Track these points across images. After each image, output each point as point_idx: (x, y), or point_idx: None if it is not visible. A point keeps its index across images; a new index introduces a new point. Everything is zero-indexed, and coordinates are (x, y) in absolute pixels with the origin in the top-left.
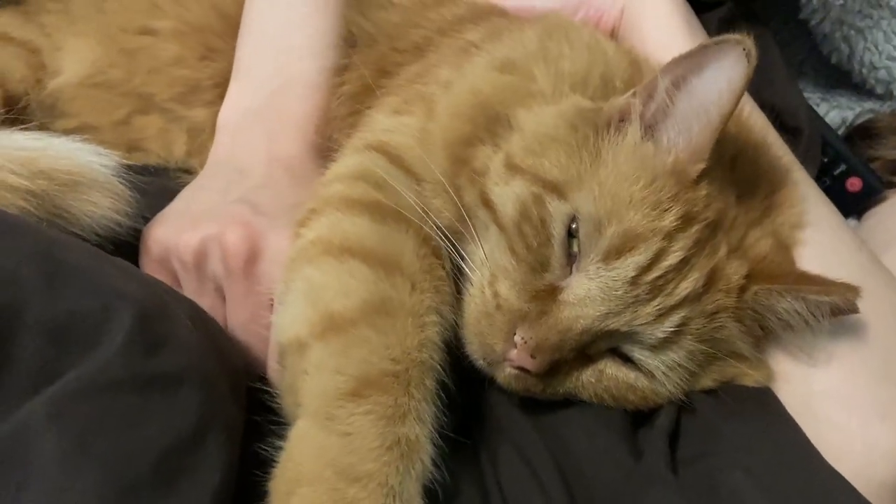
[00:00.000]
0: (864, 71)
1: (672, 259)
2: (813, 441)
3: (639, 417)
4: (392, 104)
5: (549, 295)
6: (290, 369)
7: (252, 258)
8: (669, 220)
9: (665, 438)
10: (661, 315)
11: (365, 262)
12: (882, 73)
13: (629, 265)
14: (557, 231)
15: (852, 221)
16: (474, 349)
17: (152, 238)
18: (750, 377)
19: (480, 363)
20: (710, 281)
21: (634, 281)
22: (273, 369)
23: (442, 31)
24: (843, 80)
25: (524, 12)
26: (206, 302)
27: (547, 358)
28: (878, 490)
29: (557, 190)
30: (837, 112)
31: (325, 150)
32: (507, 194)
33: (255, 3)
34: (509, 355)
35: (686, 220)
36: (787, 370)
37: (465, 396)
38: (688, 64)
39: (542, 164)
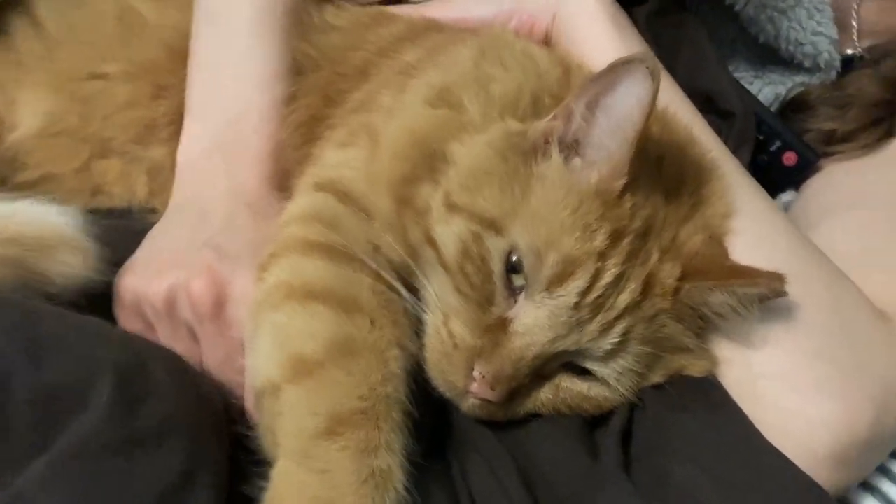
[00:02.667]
0: (791, 48)
1: (608, 277)
2: (757, 422)
3: (596, 419)
4: (338, 137)
5: (499, 328)
6: (266, 411)
7: (219, 304)
8: (600, 241)
9: (617, 438)
10: (605, 330)
11: (326, 304)
12: (808, 48)
13: (571, 291)
14: (497, 268)
15: (791, 194)
16: (438, 384)
17: (123, 287)
18: (695, 367)
19: (446, 395)
20: (647, 287)
21: (577, 305)
22: (252, 409)
23: (382, 52)
24: (773, 56)
25: (461, 23)
26: (181, 346)
27: (505, 387)
28: (825, 462)
29: (494, 226)
30: (771, 88)
31: (283, 181)
32: (448, 234)
33: (200, 36)
34: (471, 389)
35: (616, 237)
36: (728, 355)
37: (433, 415)
38: (599, 85)
39: (478, 201)
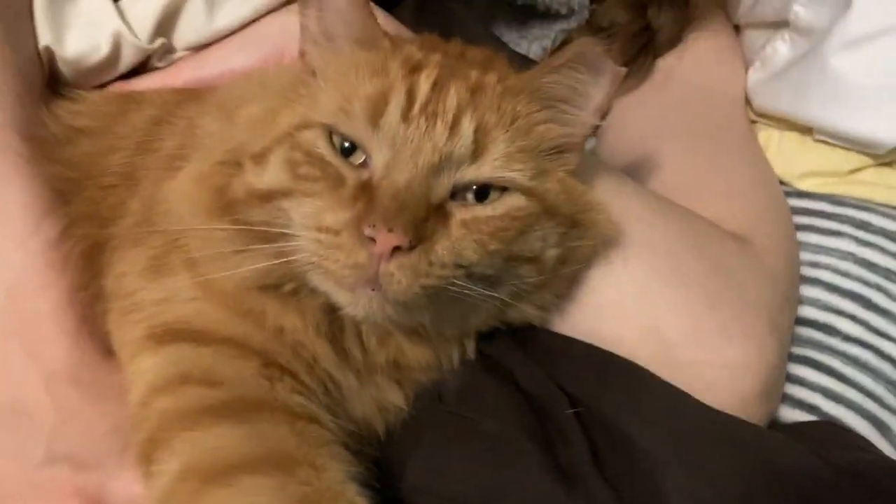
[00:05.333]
0: (547, 0)
1: (425, 85)
2: (688, 390)
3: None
4: (138, 261)
5: (364, 187)
6: None
7: None
8: (396, 68)
9: (593, 466)
10: (454, 126)
11: (258, 472)
12: None
13: (392, 110)
14: (324, 148)
15: (591, 141)
16: (348, 282)
17: None
18: (600, 223)
19: (360, 289)
20: (476, 86)
21: (405, 116)
22: None
23: (141, 146)
24: (531, 12)
25: (226, 77)
26: None
27: (401, 220)
28: (755, 400)
29: (300, 127)
30: (538, 44)
31: (98, 335)
32: (271, 179)
33: None
34: (375, 251)
35: (413, 67)
36: (636, 337)
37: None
38: None
39: (277, 126)
